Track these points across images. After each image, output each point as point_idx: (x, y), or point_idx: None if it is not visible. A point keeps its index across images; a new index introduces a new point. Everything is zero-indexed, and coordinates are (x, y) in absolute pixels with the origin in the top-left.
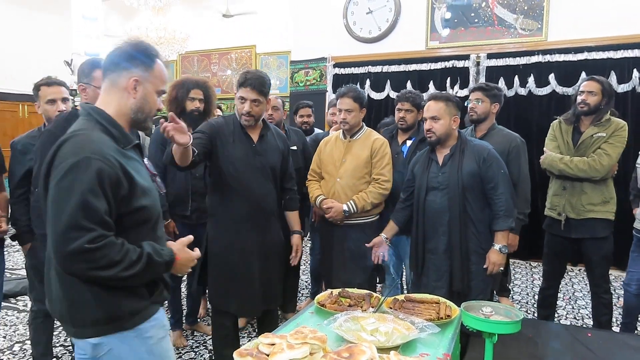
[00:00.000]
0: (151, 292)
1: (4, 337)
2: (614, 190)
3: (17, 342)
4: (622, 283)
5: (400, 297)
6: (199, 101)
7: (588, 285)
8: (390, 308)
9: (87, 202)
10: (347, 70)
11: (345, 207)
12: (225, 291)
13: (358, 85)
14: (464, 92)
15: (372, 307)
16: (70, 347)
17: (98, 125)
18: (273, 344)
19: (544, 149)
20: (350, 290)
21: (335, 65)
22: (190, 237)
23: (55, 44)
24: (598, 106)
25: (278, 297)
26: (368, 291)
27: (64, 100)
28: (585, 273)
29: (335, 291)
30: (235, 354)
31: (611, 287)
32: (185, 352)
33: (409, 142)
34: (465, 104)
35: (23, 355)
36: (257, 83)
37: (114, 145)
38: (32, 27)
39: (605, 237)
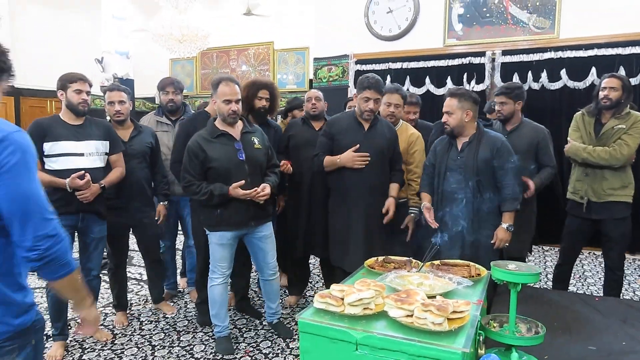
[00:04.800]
0: (213, 220)
1: None
2: (632, 176)
3: None
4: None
5: (436, 262)
6: (265, 100)
7: (597, 267)
8: (430, 269)
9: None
10: (369, 67)
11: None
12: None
13: None
14: (480, 87)
15: (415, 268)
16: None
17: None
18: (343, 290)
19: (568, 138)
20: (392, 257)
21: (357, 62)
22: (241, 183)
23: (85, 43)
24: (619, 100)
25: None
26: (407, 258)
27: (121, 102)
28: (594, 256)
29: (380, 258)
30: (316, 296)
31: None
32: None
33: None
34: (492, 106)
35: None
36: (378, 85)
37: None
38: (63, 27)
39: (624, 217)
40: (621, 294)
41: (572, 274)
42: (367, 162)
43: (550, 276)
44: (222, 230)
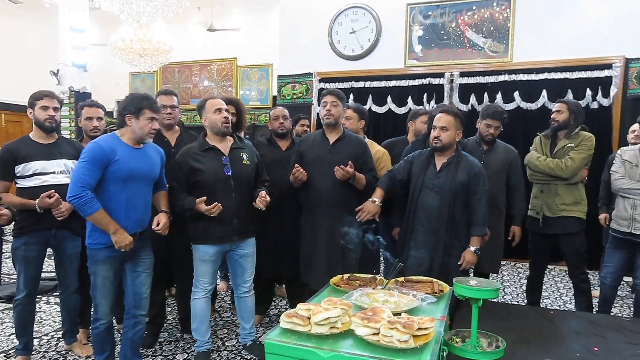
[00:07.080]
0: (197, 233)
1: None
2: (585, 193)
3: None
4: (598, 277)
5: (400, 279)
6: (232, 115)
7: (569, 283)
8: (394, 286)
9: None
10: (332, 85)
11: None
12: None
13: None
14: None
15: (380, 285)
16: None
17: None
18: (309, 309)
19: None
20: (357, 275)
21: (320, 80)
22: (204, 198)
23: (42, 55)
24: (567, 122)
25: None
26: (372, 275)
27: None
28: (565, 273)
29: (345, 276)
30: (283, 316)
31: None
32: None
33: None
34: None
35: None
36: (334, 91)
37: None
38: (19, 38)
39: (576, 232)
40: (593, 308)
41: (549, 293)
42: (304, 177)
43: (507, 290)
44: (205, 243)
